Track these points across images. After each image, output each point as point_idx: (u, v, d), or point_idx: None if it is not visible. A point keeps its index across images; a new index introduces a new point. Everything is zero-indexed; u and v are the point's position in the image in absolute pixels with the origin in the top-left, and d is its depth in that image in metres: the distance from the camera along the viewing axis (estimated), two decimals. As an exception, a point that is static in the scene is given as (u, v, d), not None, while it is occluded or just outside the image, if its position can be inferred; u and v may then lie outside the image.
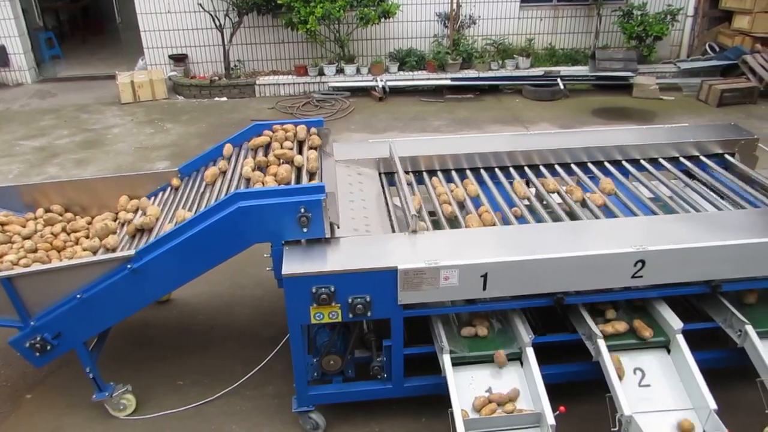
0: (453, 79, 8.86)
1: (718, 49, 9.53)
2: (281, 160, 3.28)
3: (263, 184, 3.07)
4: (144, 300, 3.01)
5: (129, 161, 6.77)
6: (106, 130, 7.71)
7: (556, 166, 3.81)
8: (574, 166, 3.81)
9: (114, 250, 3.26)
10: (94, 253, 3.29)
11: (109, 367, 3.53)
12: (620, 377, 2.78)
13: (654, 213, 3.26)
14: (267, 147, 3.53)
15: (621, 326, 2.96)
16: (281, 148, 3.37)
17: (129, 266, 2.83)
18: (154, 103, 8.75)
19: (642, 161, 3.86)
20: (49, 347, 2.97)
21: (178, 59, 9.13)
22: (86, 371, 3.13)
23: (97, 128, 7.79)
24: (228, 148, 3.58)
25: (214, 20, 8.60)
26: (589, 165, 3.83)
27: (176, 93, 9.07)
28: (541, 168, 3.79)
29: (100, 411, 3.33)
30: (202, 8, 8.72)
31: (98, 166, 6.65)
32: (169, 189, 3.69)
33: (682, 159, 3.89)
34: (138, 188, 3.73)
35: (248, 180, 3.18)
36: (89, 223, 3.63)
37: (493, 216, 3.20)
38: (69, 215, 3.68)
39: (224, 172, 3.45)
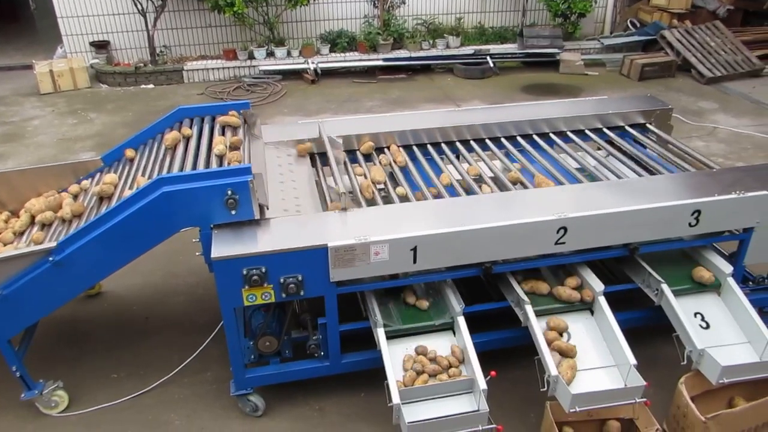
0: (385, 60, 8.88)
1: (638, 25, 9.87)
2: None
3: (239, 162, 3.05)
4: (70, 292, 2.91)
5: (51, 154, 6.51)
6: (26, 123, 7.38)
7: (487, 141, 3.91)
8: (504, 140, 3.92)
9: (80, 215, 3.15)
10: (50, 225, 3.19)
11: (39, 364, 3.42)
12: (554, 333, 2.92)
13: (577, 182, 3.39)
14: (235, 129, 3.50)
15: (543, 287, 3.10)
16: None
17: (51, 258, 2.73)
18: (76, 92, 8.40)
19: (551, 134, 3.99)
20: (-31, 348, 2.86)
21: (100, 46, 8.78)
22: (13, 370, 3.02)
23: (15, 121, 7.44)
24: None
25: (135, 4, 8.30)
26: (519, 138, 3.95)
27: (99, 81, 8.73)
28: (472, 143, 3.88)
29: (31, 410, 3.23)
30: (123, -8, 8.41)
31: (18, 160, 6.36)
32: (123, 159, 3.57)
33: (604, 130, 4.04)
34: (61, 180, 3.59)
35: (221, 157, 3.14)
36: (7, 221, 3.46)
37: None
38: (-15, 211, 3.52)
39: (188, 139, 3.37)
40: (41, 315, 2.97)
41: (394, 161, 3.63)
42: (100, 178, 3.48)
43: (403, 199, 3.28)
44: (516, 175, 3.45)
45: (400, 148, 3.76)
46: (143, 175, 3.22)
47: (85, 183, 3.50)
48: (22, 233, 3.29)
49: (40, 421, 3.20)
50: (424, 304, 3.02)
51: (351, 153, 3.77)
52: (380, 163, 3.65)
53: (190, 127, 3.50)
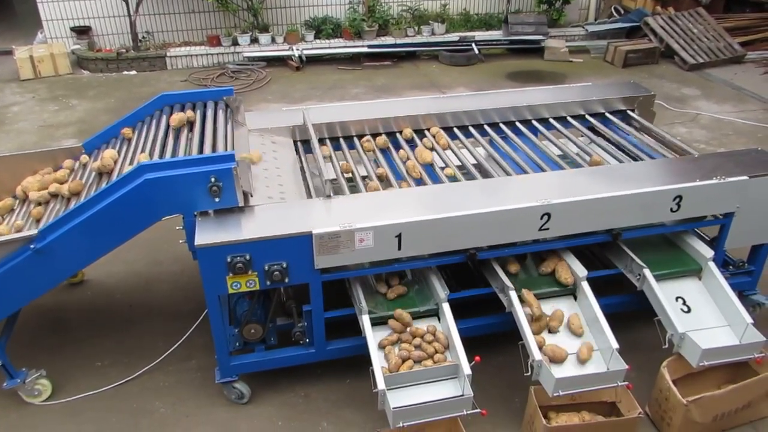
0: (370, 47, 8.83)
1: (622, 12, 9.90)
2: None
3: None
4: (52, 280, 2.89)
5: (33, 140, 6.42)
6: (6, 109, 7.26)
7: (471, 128, 3.91)
8: (487, 127, 3.93)
9: (78, 194, 3.13)
10: (47, 202, 3.20)
11: (21, 353, 3.39)
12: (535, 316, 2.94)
13: (561, 168, 3.40)
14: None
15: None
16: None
17: (32, 246, 2.70)
18: (57, 78, 8.28)
19: (535, 121, 4.00)
20: (-50, 337, 2.83)
21: (81, 32, 8.64)
22: (-6, 359, 3.01)
23: (-6, 107, 7.33)
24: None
25: (117, -11, 8.19)
26: (502, 125, 3.95)
27: (81, 67, 8.61)
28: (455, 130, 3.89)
29: (14, 399, 3.20)
30: (104, -24, 8.27)
31: (-2, 146, 6.29)
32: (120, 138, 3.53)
33: (587, 116, 4.06)
34: (43, 166, 3.52)
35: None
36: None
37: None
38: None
39: (192, 122, 3.36)
40: (23, 303, 2.95)
41: (437, 143, 3.70)
42: (99, 153, 3.44)
43: (453, 179, 3.33)
44: (598, 158, 3.48)
45: (442, 131, 3.81)
46: (143, 151, 3.19)
47: (84, 158, 3.46)
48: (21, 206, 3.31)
49: (23, 410, 3.18)
50: (400, 289, 3.02)
51: (391, 135, 3.80)
52: (363, 148, 3.64)
53: (194, 110, 3.49)
